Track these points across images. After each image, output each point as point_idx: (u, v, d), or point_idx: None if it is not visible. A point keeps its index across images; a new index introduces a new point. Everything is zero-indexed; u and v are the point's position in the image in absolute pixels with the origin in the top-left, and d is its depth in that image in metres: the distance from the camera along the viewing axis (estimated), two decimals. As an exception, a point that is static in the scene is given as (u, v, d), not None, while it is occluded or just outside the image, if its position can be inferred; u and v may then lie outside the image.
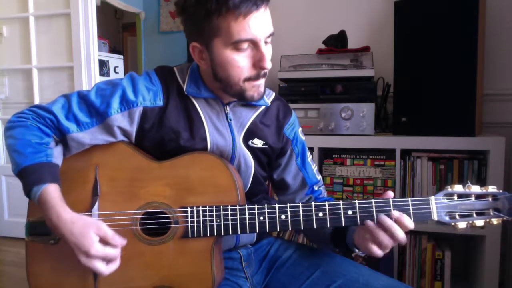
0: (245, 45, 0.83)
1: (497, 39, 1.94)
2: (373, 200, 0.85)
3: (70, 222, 0.81)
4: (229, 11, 0.79)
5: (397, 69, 1.74)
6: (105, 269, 0.81)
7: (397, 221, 0.82)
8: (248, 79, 0.87)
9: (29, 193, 0.84)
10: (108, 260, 0.82)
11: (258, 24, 0.82)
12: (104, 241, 0.81)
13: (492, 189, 0.84)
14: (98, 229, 0.81)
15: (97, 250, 0.79)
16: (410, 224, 0.82)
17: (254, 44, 0.84)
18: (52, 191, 0.83)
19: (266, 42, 0.86)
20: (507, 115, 1.94)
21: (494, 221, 0.83)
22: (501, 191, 0.84)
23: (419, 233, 1.78)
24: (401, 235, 0.82)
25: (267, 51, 0.86)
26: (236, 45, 0.83)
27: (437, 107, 1.66)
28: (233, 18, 0.80)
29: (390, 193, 0.87)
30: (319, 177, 1.11)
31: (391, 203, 0.84)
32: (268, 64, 0.86)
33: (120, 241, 0.83)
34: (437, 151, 1.73)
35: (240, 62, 0.85)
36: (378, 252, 0.84)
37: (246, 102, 0.94)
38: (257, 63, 0.86)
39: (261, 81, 0.89)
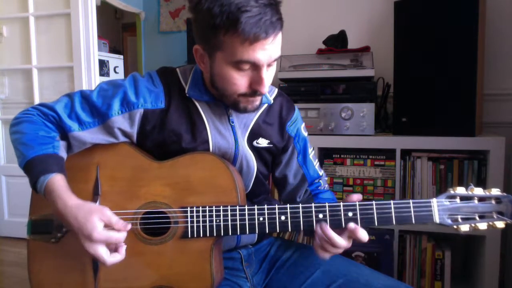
0: (246, 66, 0.83)
1: (497, 39, 1.94)
2: (373, 202, 0.85)
3: (76, 208, 0.80)
4: (237, 33, 0.77)
5: (397, 69, 1.74)
6: (107, 257, 0.79)
7: (351, 232, 0.84)
8: (244, 95, 0.87)
9: (36, 183, 0.83)
10: (112, 249, 0.81)
11: (263, 51, 0.80)
12: (108, 228, 0.80)
13: (495, 191, 0.83)
14: (102, 214, 0.80)
15: (100, 234, 0.78)
16: (363, 236, 0.84)
17: (255, 66, 0.83)
18: (59, 180, 0.83)
19: (270, 65, 0.85)
20: (507, 115, 1.94)
21: (498, 224, 0.82)
22: (504, 194, 0.83)
23: (419, 233, 1.78)
24: (341, 244, 0.84)
25: (267, 75, 0.85)
26: (237, 64, 0.82)
27: (437, 107, 1.66)
28: (239, 41, 0.78)
29: (354, 197, 0.87)
30: (321, 172, 1.11)
31: (392, 205, 0.84)
32: (264, 90, 0.85)
33: (124, 225, 0.82)
34: (437, 151, 1.73)
35: (237, 80, 0.84)
36: (322, 255, 0.87)
37: (239, 112, 0.93)
38: (254, 85, 0.85)
39: (257, 98, 0.89)
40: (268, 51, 0.81)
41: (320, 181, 1.12)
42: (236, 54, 0.81)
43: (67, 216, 0.80)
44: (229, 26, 0.78)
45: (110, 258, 0.80)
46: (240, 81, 0.85)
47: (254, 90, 0.86)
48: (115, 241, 0.81)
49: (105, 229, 0.79)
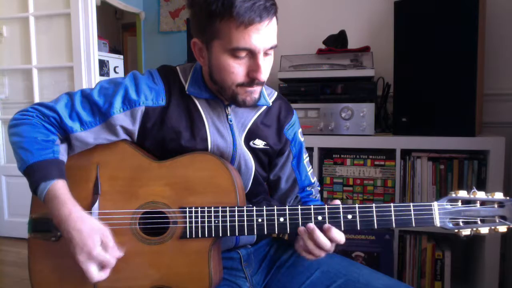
0: (243, 54, 0.83)
1: (497, 39, 1.94)
2: (374, 205, 0.84)
3: (80, 221, 0.81)
4: (232, 18, 0.79)
5: (397, 69, 1.74)
6: (96, 274, 0.81)
7: (326, 233, 0.84)
8: (241, 84, 0.87)
9: (36, 190, 0.84)
10: (101, 267, 0.83)
11: (259, 36, 0.81)
12: (104, 247, 0.82)
13: (498, 195, 0.82)
14: (104, 235, 0.82)
15: (98, 253, 0.80)
16: (340, 237, 0.84)
17: (252, 54, 0.83)
18: (61, 187, 0.84)
19: (266, 54, 0.86)
20: (507, 115, 1.94)
21: (500, 228, 0.81)
22: (507, 198, 0.82)
23: (419, 233, 1.78)
24: (326, 245, 0.84)
25: (264, 63, 0.85)
26: (233, 52, 0.83)
27: (437, 107, 1.66)
28: (235, 26, 0.79)
29: (337, 201, 0.88)
30: (313, 179, 1.12)
31: (392, 208, 0.83)
32: (262, 76, 0.85)
33: (118, 253, 0.84)
34: (437, 151, 1.73)
35: (235, 68, 0.85)
36: (308, 256, 0.88)
37: (239, 106, 0.94)
38: (251, 73, 0.85)
39: (255, 89, 0.89)
40: (263, 36, 0.82)
41: (312, 189, 1.12)
42: (232, 41, 0.81)
43: (68, 226, 0.81)
44: (224, 12, 0.79)
45: (98, 276, 0.82)
46: (238, 69, 0.85)
47: (252, 78, 0.86)
48: (106, 264, 0.82)
49: (102, 248, 0.82)
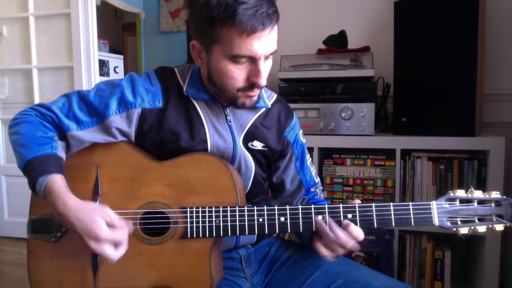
0: (243, 59, 0.83)
1: (497, 39, 1.94)
2: (373, 204, 0.84)
3: (77, 209, 0.80)
4: (234, 25, 0.78)
5: (397, 69, 1.74)
6: (114, 253, 0.80)
7: (346, 229, 0.83)
8: (242, 89, 0.87)
9: (35, 185, 0.83)
10: (116, 245, 0.81)
11: (260, 43, 0.81)
12: (110, 226, 0.80)
13: (495, 194, 0.83)
14: (104, 214, 0.81)
15: (106, 234, 0.78)
16: (358, 233, 0.83)
17: (253, 59, 0.83)
18: (58, 181, 0.83)
19: (266, 58, 0.86)
20: (507, 115, 1.94)
21: (497, 227, 0.82)
22: (504, 197, 0.83)
23: (419, 233, 1.78)
24: (343, 239, 0.82)
25: (264, 68, 0.85)
26: (234, 58, 0.83)
27: (437, 107, 1.66)
28: (237, 33, 0.79)
29: (357, 201, 0.87)
30: (317, 180, 1.12)
31: (392, 207, 0.84)
32: (262, 82, 0.85)
33: (127, 227, 0.83)
34: (437, 151, 1.73)
35: (235, 73, 0.85)
36: (326, 253, 0.85)
37: (237, 108, 0.94)
38: (252, 78, 0.85)
39: (255, 92, 0.89)
40: (265, 44, 0.82)
41: (317, 190, 1.12)
42: (233, 48, 0.81)
43: (68, 217, 0.80)
44: (226, 18, 0.78)
45: (115, 254, 0.80)
46: (238, 74, 0.85)
47: (252, 83, 0.86)
48: (119, 241, 0.81)
49: (108, 228, 0.80)
